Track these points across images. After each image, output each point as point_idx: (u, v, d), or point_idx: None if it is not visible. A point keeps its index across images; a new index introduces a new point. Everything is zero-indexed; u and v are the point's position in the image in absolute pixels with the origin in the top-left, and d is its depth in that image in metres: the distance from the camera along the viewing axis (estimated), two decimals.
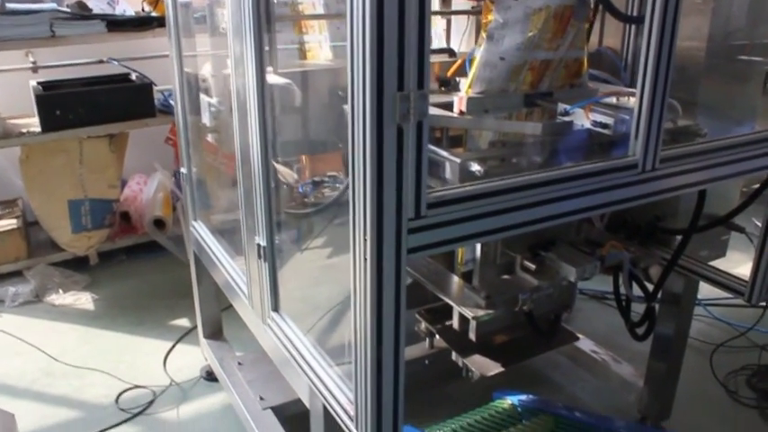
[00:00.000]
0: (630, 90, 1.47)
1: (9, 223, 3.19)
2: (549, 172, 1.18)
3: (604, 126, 1.32)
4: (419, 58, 0.92)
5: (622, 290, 1.75)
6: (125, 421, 2.26)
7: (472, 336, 1.57)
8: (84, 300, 3.06)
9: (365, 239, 0.99)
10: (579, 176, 1.21)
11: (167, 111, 3.20)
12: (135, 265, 3.39)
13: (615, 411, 2.24)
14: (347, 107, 0.97)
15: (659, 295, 1.84)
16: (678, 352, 2.07)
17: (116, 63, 3.39)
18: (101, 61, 3.42)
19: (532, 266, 1.51)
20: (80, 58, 3.34)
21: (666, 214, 1.91)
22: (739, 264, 2.62)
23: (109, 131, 3.16)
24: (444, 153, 1.25)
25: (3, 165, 3.47)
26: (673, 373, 2.10)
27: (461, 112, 1.42)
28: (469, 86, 1.43)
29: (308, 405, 1.44)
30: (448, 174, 1.23)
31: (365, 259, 1.00)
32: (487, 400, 2.11)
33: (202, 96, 2.08)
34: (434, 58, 1.86)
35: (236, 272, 1.82)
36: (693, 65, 1.88)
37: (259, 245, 1.49)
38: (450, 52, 1.88)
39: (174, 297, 3.01)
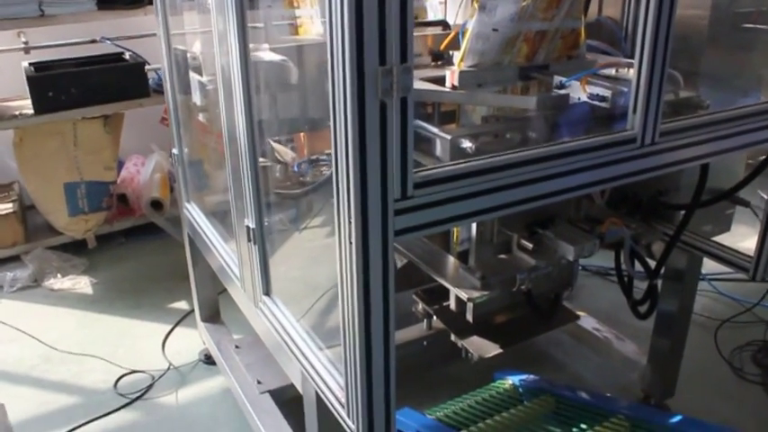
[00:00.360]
0: (629, 61, 1.41)
1: (5, 207, 3.17)
2: (544, 148, 1.13)
3: (602, 99, 1.26)
4: (401, 29, 0.87)
5: (624, 266, 1.71)
6: (124, 406, 2.24)
7: (469, 317, 1.53)
8: (82, 284, 3.04)
9: (349, 222, 0.95)
10: (575, 152, 1.16)
11: (162, 90, 3.15)
12: (134, 248, 3.37)
13: (618, 390, 2.21)
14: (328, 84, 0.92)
15: (662, 272, 1.80)
16: (682, 329, 2.03)
17: (109, 42, 3.34)
18: (93, 41, 3.36)
19: (530, 245, 1.47)
20: (73, 37, 3.28)
21: (669, 189, 1.85)
22: (745, 237, 2.57)
23: (103, 112, 3.12)
24: (434, 129, 1.20)
25: None
26: (676, 351, 2.06)
27: (453, 87, 1.36)
28: (462, 60, 1.37)
29: (300, 391, 1.41)
30: (438, 151, 1.18)
31: (350, 243, 0.96)
32: (488, 381, 2.09)
33: (192, 75, 2.02)
34: (428, 31, 1.80)
35: (228, 255, 1.79)
36: (696, 33, 1.81)
37: (248, 227, 1.45)
38: (445, 25, 1.82)
39: (172, 279, 2.99)
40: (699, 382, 2.25)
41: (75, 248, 3.28)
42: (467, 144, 1.13)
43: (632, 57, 1.47)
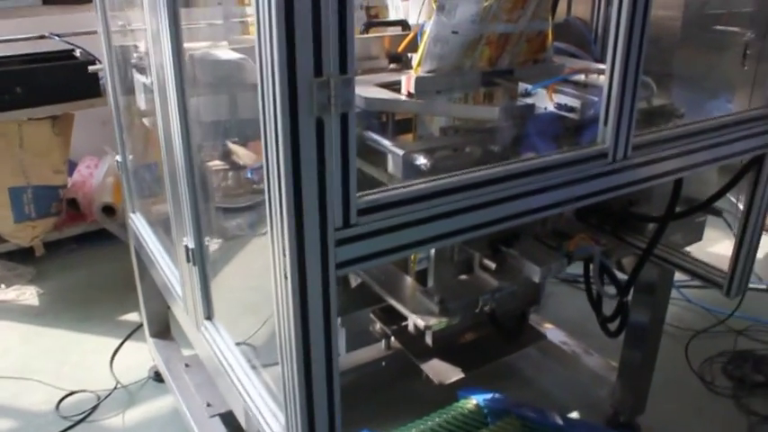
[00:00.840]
0: (600, 67, 1.32)
1: None
2: (506, 166, 1.02)
3: (570, 109, 1.16)
4: (341, 34, 0.76)
5: (594, 283, 1.61)
6: (65, 430, 2.09)
7: (429, 341, 1.43)
8: (28, 294, 2.87)
9: (284, 255, 0.83)
10: (541, 170, 1.05)
11: None
12: (85, 255, 3.20)
13: (587, 407, 2.12)
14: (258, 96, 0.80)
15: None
16: (653, 344, 1.95)
17: (57, 39, 3.15)
18: (42, 37, 3.18)
19: (492, 265, 1.37)
20: (21, 33, 3.09)
21: (640, 199, 1.77)
22: (714, 243, 2.52)
23: (51, 113, 2.94)
24: (386, 143, 1.09)
25: None
26: (647, 366, 1.98)
27: (410, 94, 1.25)
28: (419, 65, 1.26)
29: (243, 425, 1.29)
30: (390, 167, 1.07)
31: (285, 278, 0.84)
32: (452, 399, 1.98)
33: (136, 75, 1.88)
34: (386, 32, 1.68)
35: (171, 272, 1.65)
36: (668, 36, 1.73)
37: (186, 246, 1.32)
38: (404, 25, 1.71)
39: (124, 289, 2.81)
40: (669, 396, 2.18)
41: (22, 256, 3.10)
42: (421, 161, 1.02)
43: (603, 60, 1.38)
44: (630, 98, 1.11)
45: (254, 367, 1.24)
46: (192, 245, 1.31)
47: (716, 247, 2.53)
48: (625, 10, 1.05)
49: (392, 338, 1.64)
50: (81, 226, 3.22)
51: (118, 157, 1.96)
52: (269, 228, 0.86)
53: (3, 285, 2.90)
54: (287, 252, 0.82)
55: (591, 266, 1.60)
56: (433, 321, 1.26)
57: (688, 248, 1.86)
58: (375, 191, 0.90)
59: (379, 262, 0.92)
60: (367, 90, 1.25)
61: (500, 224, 1.03)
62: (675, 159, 1.24)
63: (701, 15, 1.75)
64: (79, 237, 3.24)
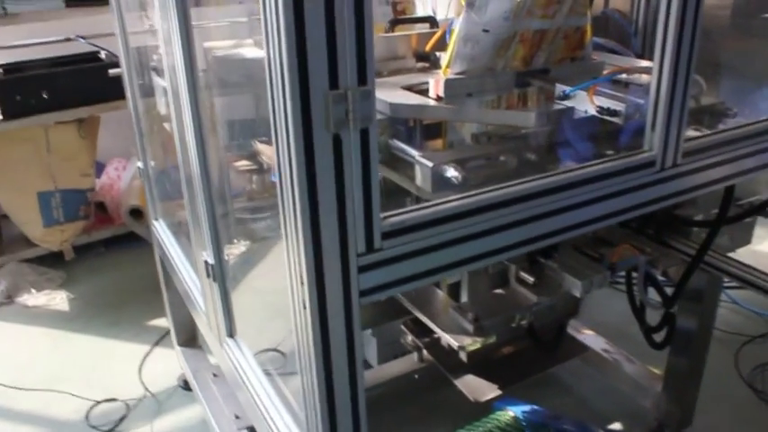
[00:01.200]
0: (644, 64, 1.21)
1: None
2: (543, 179, 0.93)
3: (613, 113, 1.06)
4: (358, 40, 0.67)
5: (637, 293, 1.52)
6: None
7: (463, 357, 1.34)
8: (58, 299, 2.86)
9: (302, 283, 0.76)
10: (582, 182, 0.96)
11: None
12: (114, 258, 3.18)
13: (629, 417, 2.02)
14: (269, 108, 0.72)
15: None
16: (700, 352, 1.84)
17: (83, 41, 3.14)
18: (68, 39, 3.16)
19: (530, 279, 1.28)
20: (48, 36, 3.08)
21: (685, 201, 1.66)
22: (761, 240, 2.37)
23: (77, 116, 2.92)
24: (414, 153, 1.01)
25: None
26: (695, 376, 1.87)
27: (438, 98, 1.17)
28: (447, 66, 1.18)
29: None
30: (419, 180, 0.99)
31: (304, 307, 0.77)
32: (488, 410, 1.90)
33: (155, 78, 1.83)
34: (413, 29, 1.60)
35: (194, 283, 1.60)
36: (716, 27, 1.62)
37: (206, 261, 1.26)
38: (432, 21, 1.62)
39: (153, 292, 2.76)
40: (717, 406, 2.06)
41: (53, 260, 3.10)
42: (452, 173, 0.94)
43: (644, 56, 1.27)
44: (681, 100, 1.01)
45: (276, 388, 1.17)
46: (211, 260, 1.24)
47: (762, 245, 2.39)
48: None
49: (424, 351, 1.56)
50: (110, 229, 3.21)
51: (139, 164, 1.92)
52: (285, 253, 0.79)
53: (33, 290, 2.90)
54: (305, 281, 0.75)
55: (633, 273, 1.51)
56: (467, 342, 1.18)
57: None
58: (401, 211, 0.82)
59: (408, 287, 0.84)
60: (392, 94, 1.17)
61: (539, 242, 0.95)
62: (729, 165, 1.14)
63: (751, 3, 1.64)
64: (108, 240, 3.23)
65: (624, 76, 1.29)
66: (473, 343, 1.19)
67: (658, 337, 1.66)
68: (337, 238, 0.74)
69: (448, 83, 1.15)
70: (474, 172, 1.01)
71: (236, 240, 1.34)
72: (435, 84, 1.17)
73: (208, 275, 1.27)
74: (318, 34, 0.65)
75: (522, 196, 0.90)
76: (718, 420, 2.02)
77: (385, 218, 0.79)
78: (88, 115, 2.96)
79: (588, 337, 2.17)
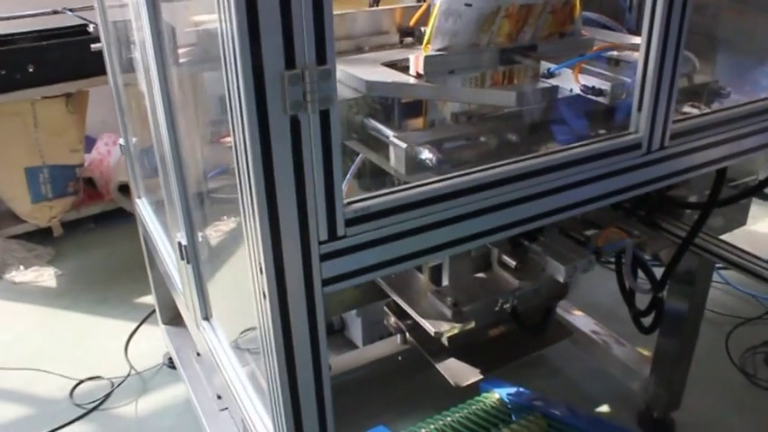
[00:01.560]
0: (634, 41, 1.16)
1: None
2: (522, 162, 0.89)
3: (599, 92, 1.02)
4: (316, 16, 0.63)
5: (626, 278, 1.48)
6: (78, 418, 2.05)
7: (445, 341, 1.32)
8: (46, 276, 2.84)
9: (261, 272, 0.72)
10: (564, 165, 0.92)
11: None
12: (103, 234, 3.15)
13: (618, 400, 2.00)
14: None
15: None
16: (690, 335, 1.81)
17: (71, 13, 3.07)
18: (55, 12, 3.10)
19: (512, 263, 1.24)
20: (38, 8, 3.02)
21: (678, 182, 1.62)
22: (756, 221, 2.34)
23: (64, 91, 2.87)
24: (389, 132, 0.97)
25: None
26: (684, 359, 1.84)
27: (418, 75, 1.12)
28: (428, 42, 1.13)
29: (239, 428, 1.20)
30: (393, 161, 0.95)
31: (264, 296, 0.74)
32: (475, 392, 1.88)
33: (134, 53, 1.77)
34: (401, 2, 1.54)
35: (173, 264, 1.57)
36: (713, 1, 1.56)
37: (180, 243, 1.22)
38: None
39: (142, 269, 2.72)
40: (707, 389, 2.04)
41: (42, 236, 3.07)
42: (426, 155, 0.90)
43: (637, 31, 1.22)
44: (670, 79, 0.96)
45: (250, 374, 1.15)
46: (184, 241, 1.21)
47: (756, 226, 2.36)
48: None
49: (407, 334, 1.53)
50: (99, 205, 3.17)
51: (121, 141, 1.87)
52: (245, 240, 0.75)
53: (22, 267, 2.87)
54: (263, 269, 0.72)
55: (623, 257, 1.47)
56: (444, 327, 1.15)
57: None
58: (365, 197, 0.78)
59: (374, 276, 0.81)
60: (371, 71, 1.13)
61: (518, 227, 0.91)
62: (720, 147, 1.10)
63: None
64: (97, 216, 3.20)
65: (615, 53, 1.24)
66: (451, 329, 1.15)
67: (647, 321, 1.63)
68: (297, 225, 0.71)
69: (428, 59, 1.10)
70: (451, 153, 0.97)
71: (217, 220, 1.30)
72: (415, 60, 1.13)
73: (182, 257, 1.24)
74: (272, 9, 0.60)
75: (496, 181, 0.86)
76: (708, 404, 2.00)
77: (348, 204, 0.75)
78: (76, 90, 2.90)
79: (578, 318, 2.14)
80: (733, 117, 1.09)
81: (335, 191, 0.72)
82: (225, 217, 1.45)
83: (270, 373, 0.81)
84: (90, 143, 3.34)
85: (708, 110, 1.10)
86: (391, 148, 0.95)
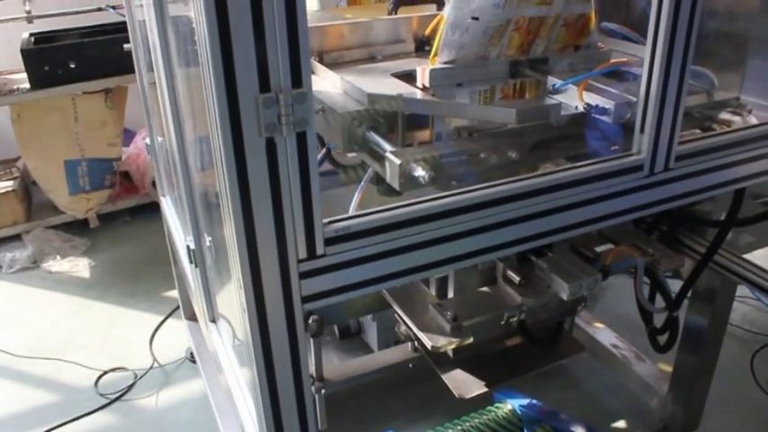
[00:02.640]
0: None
1: (5, 186, 3.06)
2: (517, 183, 0.88)
3: (602, 111, 1.00)
4: (291, 40, 0.63)
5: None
6: (101, 408, 2.12)
7: (449, 354, 1.31)
8: (80, 266, 2.93)
9: (240, 287, 0.73)
10: (562, 185, 0.91)
11: None
12: (137, 228, 3.24)
13: (635, 416, 1.97)
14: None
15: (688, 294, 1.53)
16: (710, 355, 1.76)
17: (112, 11, 3.16)
18: (99, 9, 3.19)
19: (516, 278, 1.23)
20: (80, 5, 3.12)
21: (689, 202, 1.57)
22: None
23: (104, 86, 2.95)
24: (386, 147, 0.97)
25: (2, 122, 3.31)
26: (703, 378, 1.79)
27: (424, 87, 1.12)
28: (435, 54, 1.12)
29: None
30: (388, 177, 0.95)
31: (243, 309, 0.75)
32: (488, 401, 1.87)
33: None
34: (424, 11, 1.54)
35: (187, 264, 1.59)
36: (744, 10, 1.51)
37: (188, 246, 1.25)
38: (440, 2, 1.55)
39: (170, 264, 2.84)
40: (728, 410, 1.98)
41: (78, 228, 3.17)
42: (420, 173, 0.90)
43: None
44: (674, 100, 0.94)
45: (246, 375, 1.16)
46: (192, 245, 1.23)
47: None
48: None
49: (416, 342, 1.52)
50: (134, 198, 3.26)
51: (147, 140, 1.92)
52: (229, 253, 0.76)
53: (58, 256, 2.96)
54: (242, 285, 0.73)
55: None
56: (442, 342, 1.15)
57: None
58: (344, 216, 0.78)
59: (355, 294, 0.81)
60: (376, 83, 1.13)
61: (508, 248, 0.90)
62: (733, 168, 1.06)
63: None
64: (133, 209, 3.29)
65: (635, 69, 1.22)
66: (448, 343, 1.15)
67: (663, 339, 1.59)
68: (275, 243, 0.71)
69: (433, 73, 1.10)
70: (449, 170, 0.96)
71: (223, 225, 1.32)
72: (422, 73, 1.12)
73: (190, 261, 1.26)
74: (245, 32, 0.61)
75: (483, 202, 0.85)
76: (728, 424, 1.94)
77: (328, 223, 0.75)
78: (115, 85, 2.98)
79: (598, 331, 2.11)
80: (745, 138, 1.06)
81: (314, 210, 0.72)
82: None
83: (252, 383, 0.82)
84: (130, 137, 3.43)
85: (720, 129, 1.06)
86: (387, 164, 0.95)
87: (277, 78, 0.64)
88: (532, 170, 0.97)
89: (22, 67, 2.89)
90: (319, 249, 0.75)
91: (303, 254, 0.74)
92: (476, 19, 1.08)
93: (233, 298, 0.83)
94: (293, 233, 0.72)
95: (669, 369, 1.88)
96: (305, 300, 0.77)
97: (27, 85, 2.84)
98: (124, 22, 3.08)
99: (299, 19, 0.62)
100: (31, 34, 2.99)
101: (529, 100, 1.11)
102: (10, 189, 3.02)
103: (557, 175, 0.91)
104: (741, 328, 2.31)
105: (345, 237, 0.77)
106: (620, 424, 1.97)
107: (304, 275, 0.75)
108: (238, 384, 1.14)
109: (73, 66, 2.84)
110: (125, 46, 2.46)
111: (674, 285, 1.51)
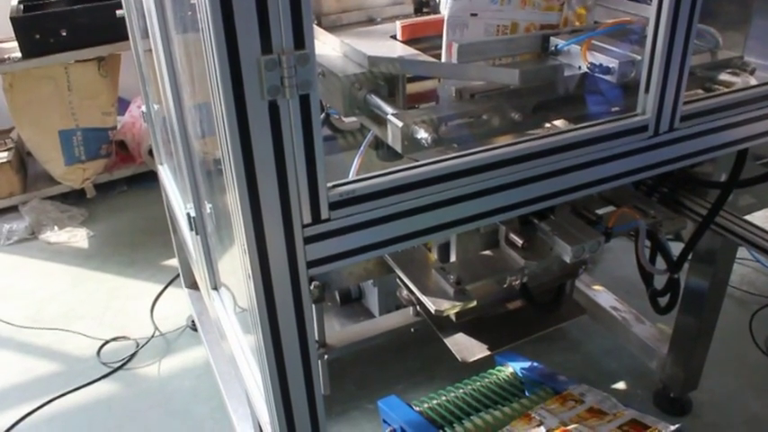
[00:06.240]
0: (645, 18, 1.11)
1: (0, 157, 3.03)
2: (519, 145, 0.87)
3: (606, 71, 0.98)
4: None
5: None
6: (104, 377, 2.13)
7: (451, 317, 1.32)
8: (79, 236, 2.92)
9: (245, 252, 0.73)
10: (564, 147, 0.90)
11: None
12: (135, 197, 3.22)
13: (634, 378, 1.99)
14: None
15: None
16: (710, 316, 1.77)
17: None
18: None
19: (519, 241, 1.23)
20: None
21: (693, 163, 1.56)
22: None
23: (96, 54, 2.90)
24: (388, 110, 0.95)
25: None
26: (703, 339, 1.81)
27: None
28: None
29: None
30: (390, 140, 0.94)
31: (248, 275, 0.74)
32: (490, 364, 1.88)
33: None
34: None
35: (187, 232, 1.59)
36: None
37: (188, 214, 1.24)
38: None
39: (169, 232, 2.83)
40: (727, 370, 2.01)
41: (75, 198, 3.16)
42: (422, 135, 0.88)
43: None
44: (680, 59, 0.92)
45: (250, 340, 1.17)
46: (193, 213, 1.23)
47: None
48: None
49: (418, 306, 1.53)
50: (131, 167, 3.24)
51: (143, 108, 1.89)
52: (232, 219, 0.76)
53: (56, 227, 2.96)
54: (246, 250, 0.72)
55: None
56: (445, 305, 1.15)
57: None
58: (349, 180, 0.77)
59: (361, 258, 0.81)
60: (376, 45, 1.11)
61: (513, 210, 0.90)
62: (736, 129, 1.05)
63: None
64: (129, 178, 3.27)
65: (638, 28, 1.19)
66: (452, 307, 1.15)
67: (664, 301, 1.60)
68: (279, 208, 0.71)
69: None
70: (452, 132, 0.95)
71: (224, 191, 1.30)
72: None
73: (191, 228, 1.26)
74: None
75: (489, 164, 0.84)
76: (727, 385, 1.97)
77: (333, 187, 0.75)
78: (108, 54, 2.94)
79: (598, 293, 2.12)
80: (749, 98, 1.04)
81: (318, 174, 0.71)
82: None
83: (258, 350, 0.82)
84: (124, 106, 3.39)
85: (719, 91, 1.05)
86: (389, 126, 0.94)
87: (279, 40, 0.63)
88: (536, 132, 0.95)
89: (12, 35, 2.84)
90: (324, 214, 0.74)
91: (308, 218, 0.74)
92: (475, 15, 1.05)
93: (235, 265, 0.83)
94: (297, 198, 0.71)
95: (669, 330, 1.90)
96: (310, 265, 0.76)
97: (18, 54, 2.78)
98: None
99: None
100: (20, 1, 2.92)
101: (532, 60, 1.09)
102: (5, 160, 3.00)
103: (560, 136, 0.90)
104: (740, 289, 2.33)
105: (350, 201, 0.76)
106: (620, 385, 1.99)
107: (309, 240, 0.75)
108: (242, 351, 1.14)
109: (64, 33, 2.79)
110: (118, 12, 2.42)
111: (674, 248, 1.51)
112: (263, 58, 0.62)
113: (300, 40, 0.64)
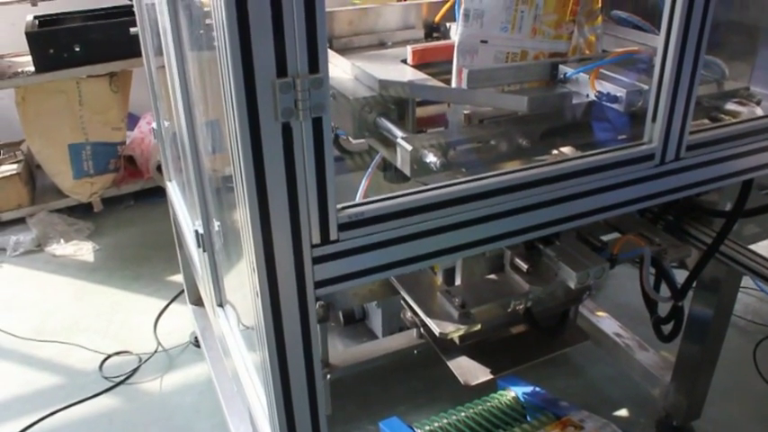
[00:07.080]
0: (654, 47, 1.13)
1: (9, 169, 3.06)
2: (526, 171, 0.88)
3: (614, 99, 0.99)
4: (308, 23, 0.63)
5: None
6: (106, 391, 2.13)
7: (455, 340, 1.32)
8: (84, 250, 2.93)
9: (253, 270, 0.73)
10: (570, 174, 0.91)
11: None
12: (141, 212, 3.24)
13: (637, 405, 1.98)
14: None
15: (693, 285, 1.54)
16: (714, 344, 1.77)
17: None
18: None
19: (524, 266, 1.23)
20: None
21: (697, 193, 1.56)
22: None
23: (108, 70, 2.94)
24: (398, 134, 0.97)
25: (6, 105, 3.31)
26: (706, 367, 1.80)
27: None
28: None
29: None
30: (399, 163, 0.95)
31: (256, 294, 0.75)
32: (492, 388, 1.88)
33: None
34: None
35: (194, 249, 1.60)
36: (755, 1, 1.50)
37: (197, 231, 1.25)
38: None
39: (175, 248, 2.84)
40: (730, 400, 1.99)
41: (82, 211, 3.18)
42: (431, 159, 0.90)
43: None
44: (687, 88, 0.93)
45: (254, 359, 1.17)
46: (201, 230, 1.24)
47: None
48: None
49: (422, 329, 1.53)
50: (138, 182, 3.26)
51: (154, 125, 1.91)
52: (242, 237, 0.77)
53: (62, 240, 2.97)
54: (255, 268, 0.73)
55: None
56: (450, 329, 1.15)
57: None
58: (358, 202, 0.78)
59: (369, 279, 0.81)
60: (387, 69, 1.13)
61: (520, 236, 0.90)
62: (742, 159, 1.06)
63: None
64: (137, 193, 3.29)
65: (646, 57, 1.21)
66: (456, 330, 1.15)
67: (667, 329, 1.60)
68: (289, 228, 0.72)
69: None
70: (461, 156, 0.96)
71: (232, 209, 1.32)
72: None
73: (198, 245, 1.27)
74: (263, 17, 0.61)
75: (494, 190, 0.85)
76: (730, 414, 1.95)
77: (342, 209, 0.76)
78: (120, 69, 2.97)
79: (602, 320, 2.11)
80: (756, 128, 1.05)
81: (328, 196, 0.72)
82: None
83: (263, 368, 0.83)
84: (134, 121, 3.42)
85: (728, 120, 1.06)
86: (398, 150, 0.95)
87: (294, 63, 0.64)
88: (543, 158, 0.96)
89: (27, 49, 2.88)
90: (333, 235, 0.75)
91: (317, 239, 0.74)
92: (485, 42, 1.07)
93: (241, 282, 0.84)
94: (307, 218, 0.72)
95: (672, 358, 1.89)
96: (317, 285, 0.77)
97: (32, 68, 2.83)
98: (130, 6, 3.07)
99: (317, 4, 0.62)
100: (35, 17, 2.97)
101: (541, 88, 1.11)
102: (14, 172, 3.02)
103: (567, 163, 0.91)
104: (744, 318, 2.32)
105: (359, 222, 0.77)
106: (623, 412, 1.98)
107: (317, 260, 0.76)
108: (246, 368, 1.14)
109: (78, 49, 2.83)
110: (132, 29, 2.46)
111: (678, 276, 1.52)
112: (278, 81, 0.64)
113: (315, 64, 0.65)
